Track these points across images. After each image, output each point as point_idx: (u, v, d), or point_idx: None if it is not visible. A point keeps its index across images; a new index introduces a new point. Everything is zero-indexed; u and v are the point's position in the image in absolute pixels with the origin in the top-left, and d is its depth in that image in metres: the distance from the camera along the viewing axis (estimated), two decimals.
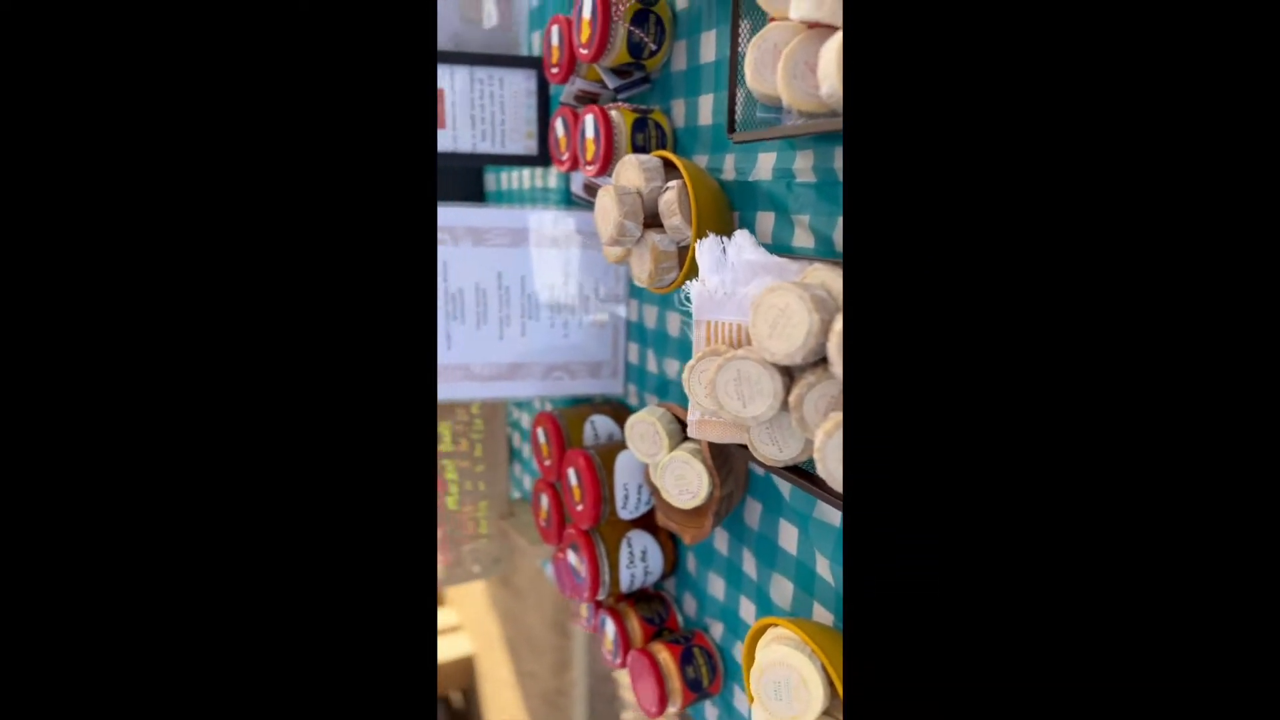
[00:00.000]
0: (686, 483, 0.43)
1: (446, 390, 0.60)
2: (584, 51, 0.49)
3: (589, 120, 0.50)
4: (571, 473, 0.55)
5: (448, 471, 0.77)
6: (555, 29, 0.54)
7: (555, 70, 0.55)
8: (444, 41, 0.64)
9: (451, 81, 0.61)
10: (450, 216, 0.57)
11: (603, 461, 0.54)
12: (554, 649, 2.31)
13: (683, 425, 0.46)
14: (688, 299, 0.39)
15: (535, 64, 0.61)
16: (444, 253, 0.58)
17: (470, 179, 0.82)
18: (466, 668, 2.83)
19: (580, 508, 0.54)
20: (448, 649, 2.86)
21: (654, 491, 0.50)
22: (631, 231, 0.43)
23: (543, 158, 0.63)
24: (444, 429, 0.76)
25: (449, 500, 0.78)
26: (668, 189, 0.42)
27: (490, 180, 0.83)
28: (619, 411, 0.63)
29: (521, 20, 0.64)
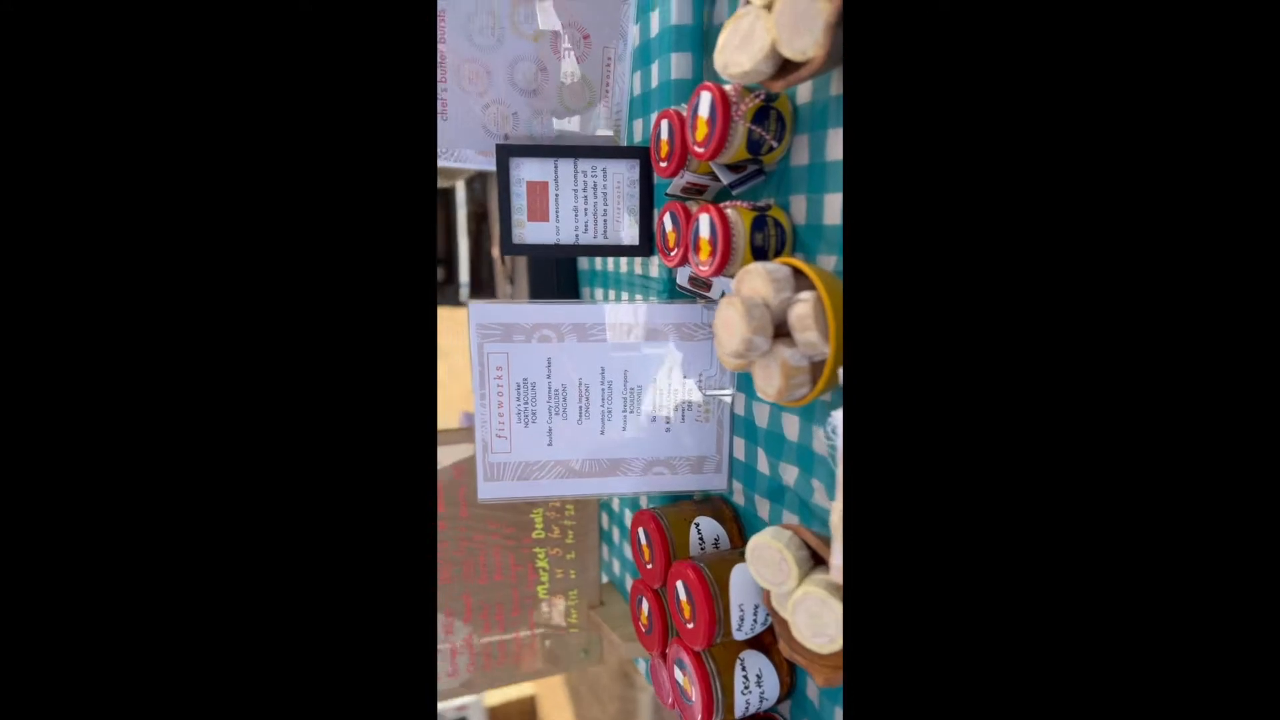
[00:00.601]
0: (823, 624, 0.39)
1: (548, 488, 0.58)
2: (699, 150, 0.47)
3: (704, 220, 0.48)
4: (681, 587, 0.51)
5: (539, 559, 0.75)
6: (665, 124, 0.53)
7: (664, 165, 0.53)
8: (546, 134, 0.64)
9: (555, 174, 0.60)
10: (556, 314, 0.56)
11: (715, 576, 0.50)
12: (619, 698, 2.24)
13: (814, 553, 0.42)
14: (834, 432, 0.36)
15: (638, 154, 0.60)
16: (548, 349, 0.56)
17: (566, 264, 0.82)
18: (528, 708, 2.78)
19: (691, 626, 0.50)
20: (509, 689, 2.82)
21: (775, 616, 0.46)
22: (760, 346, 0.40)
23: (645, 247, 0.62)
24: (536, 516, 0.74)
25: (540, 589, 0.76)
26: (800, 301, 0.39)
27: (586, 259, 0.83)
28: (721, 509, 0.59)
29: (623, 108, 0.64)
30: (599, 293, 0.79)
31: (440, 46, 0.59)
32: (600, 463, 0.58)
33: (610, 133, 0.65)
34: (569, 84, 0.63)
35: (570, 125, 0.65)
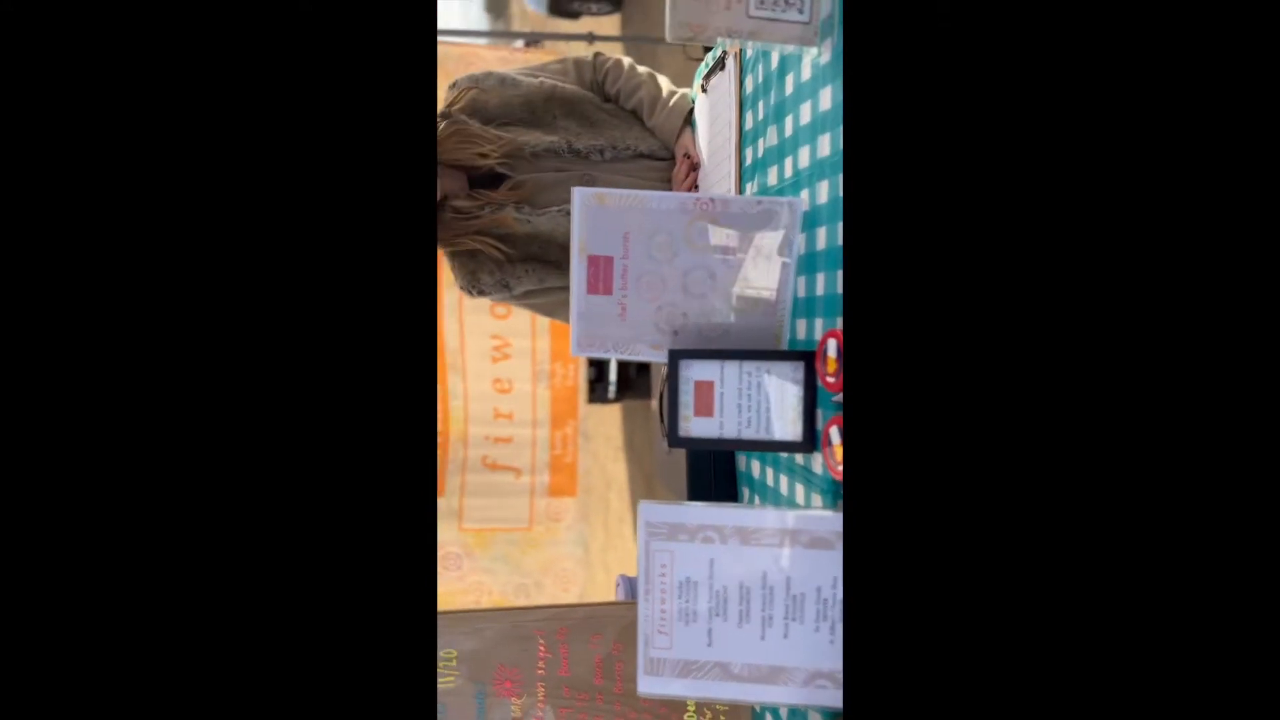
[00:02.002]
0: None
1: (707, 689, 0.58)
2: (830, 381, 0.49)
3: None
4: None
5: None
6: (832, 342, 0.55)
7: (831, 380, 0.55)
8: (714, 335, 0.69)
9: (721, 374, 0.64)
10: (720, 516, 0.58)
11: None
12: None
13: None
14: None
15: (802, 357, 0.63)
16: (710, 550, 0.58)
17: (724, 461, 0.85)
18: None
19: None
20: None
21: None
22: None
23: (808, 444, 0.63)
24: (689, 703, 0.74)
25: None
26: None
27: (753, 466, 0.85)
28: None
29: (786, 311, 0.68)
30: (756, 498, 0.80)
31: (624, 261, 0.67)
32: (760, 669, 0.58)
33: (775, 331, 0.68)
34: (738, 289, 0.68)
35: (736, 324, 0.69)
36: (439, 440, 2.47)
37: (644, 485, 4.98)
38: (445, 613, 0.70)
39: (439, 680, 0.68)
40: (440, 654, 0.68)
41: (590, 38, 2.53)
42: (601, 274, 0.68)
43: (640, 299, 0.68)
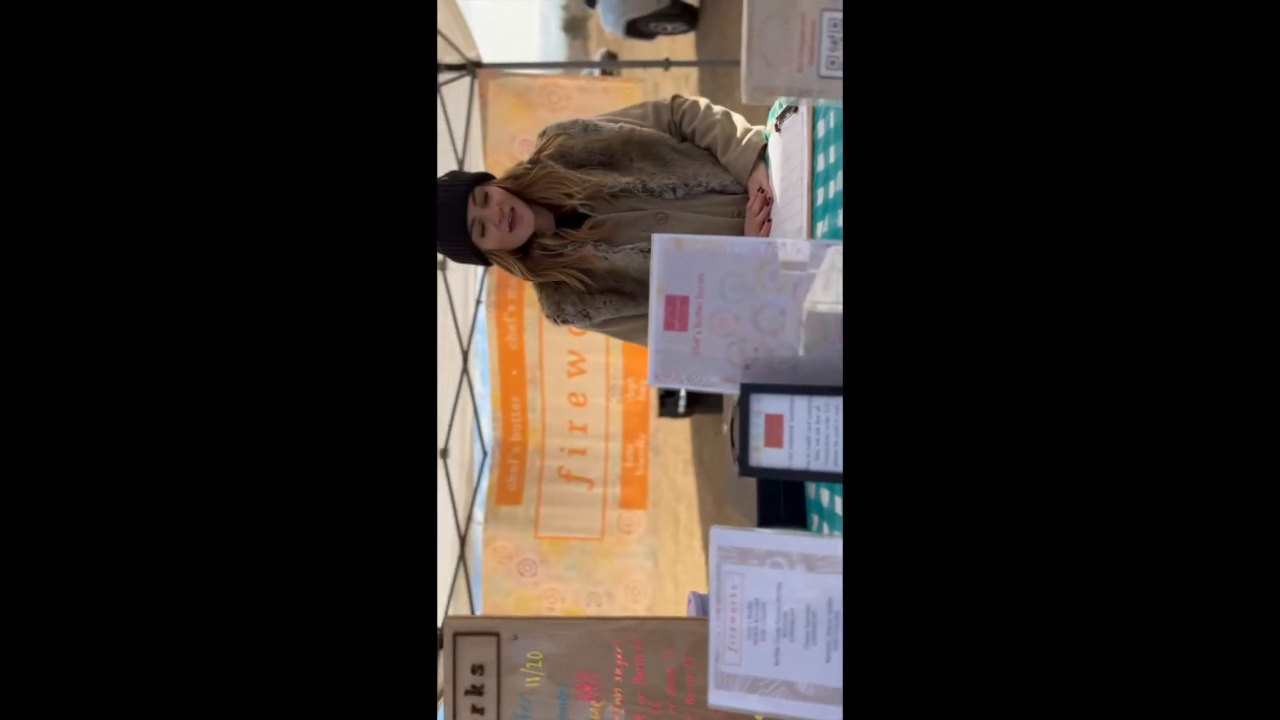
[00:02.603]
0: None
1: (774, 705, 0.62)
2: None
3: None
4: None
5: None
6: None
7: None
8: (785, 369, 0.73)
9: (791, 408, 0.68)
10: (788, 543, 0.62)
11: None
12: None
13: None
14: None
15: None
16: (779, 575, 0.62)
17: (793, 488, 0.89)
18: None
19: None
20: None
21: None
22: None
23: None
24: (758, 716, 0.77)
25: None
26: None
27: (822, 494, 0.89)
28: None
29: None
30: (825, 525, 0.83)
31: (699, 301, 0.73)
32: (825, 690, 0.61)
33: (839, 366, 0.72)
34: (807, 324, 0.72)
35: (805, 359, 0.73)
36: (519, 450, 2.59)
37: (713, 500, 4.98)
38: (531, 618, 0.77)
39: (526, 680, 0.75)
40: (527, 654, 0.75)
41: (667, 64, 2.61)
42: (678, 312, 0.73)
43: (713, 335, 0.73)
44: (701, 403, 4.76)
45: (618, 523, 2.60)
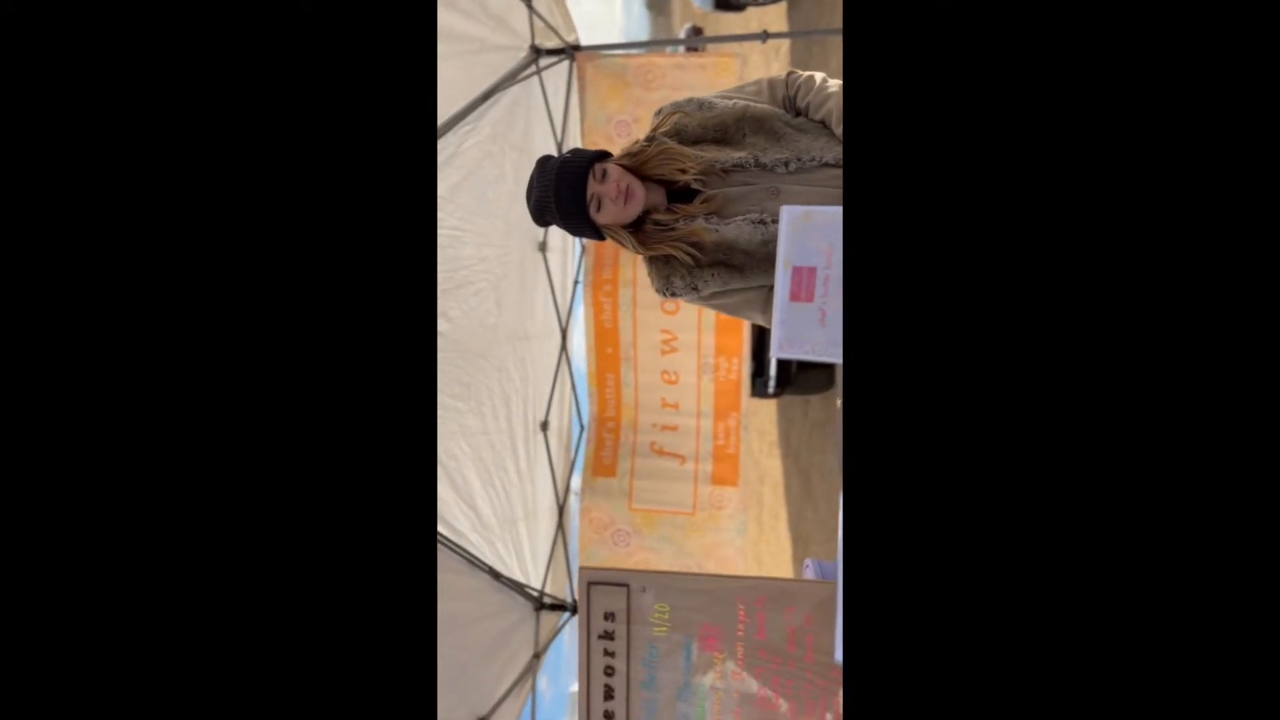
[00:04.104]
0: None
1: None
2: None
3: None
4: None
5: None
6: None
7: None
8: None
9: None
10: None
11: None
12: None
13: None
14: None
15: None
16: None
17: None
18: None
19: None
20: None
21: None
22: None
23: None
24: None
25: None
26: None
27: None
28: None
29: None
30: None
31: (826, 272, 0.74)
32: None
33: None
34: None
35: None
36: (614, 425, 2.67)
37: (800, 481, 4.93)
38: (660, 572, 0.82)
39: (653, 629, 0.80)
40: (655, 606, 0.80)
41: (764, 36, 2.57)
42: (804, 283, 0.75)
43: (840, 307, 0.75)
44: (791, 383, 4.71)
45: (709, 498, 2.64)
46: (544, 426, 2.56)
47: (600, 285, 2.60)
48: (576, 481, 2.75)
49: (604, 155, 1.12)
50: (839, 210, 0.73)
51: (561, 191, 1.06)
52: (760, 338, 3.62)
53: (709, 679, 0.80)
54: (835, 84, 1.08)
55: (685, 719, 0.79)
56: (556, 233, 2.40)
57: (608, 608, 0.80)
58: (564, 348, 2.70)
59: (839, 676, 0.80)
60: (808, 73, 1.10)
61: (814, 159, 1.06)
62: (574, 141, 2.55)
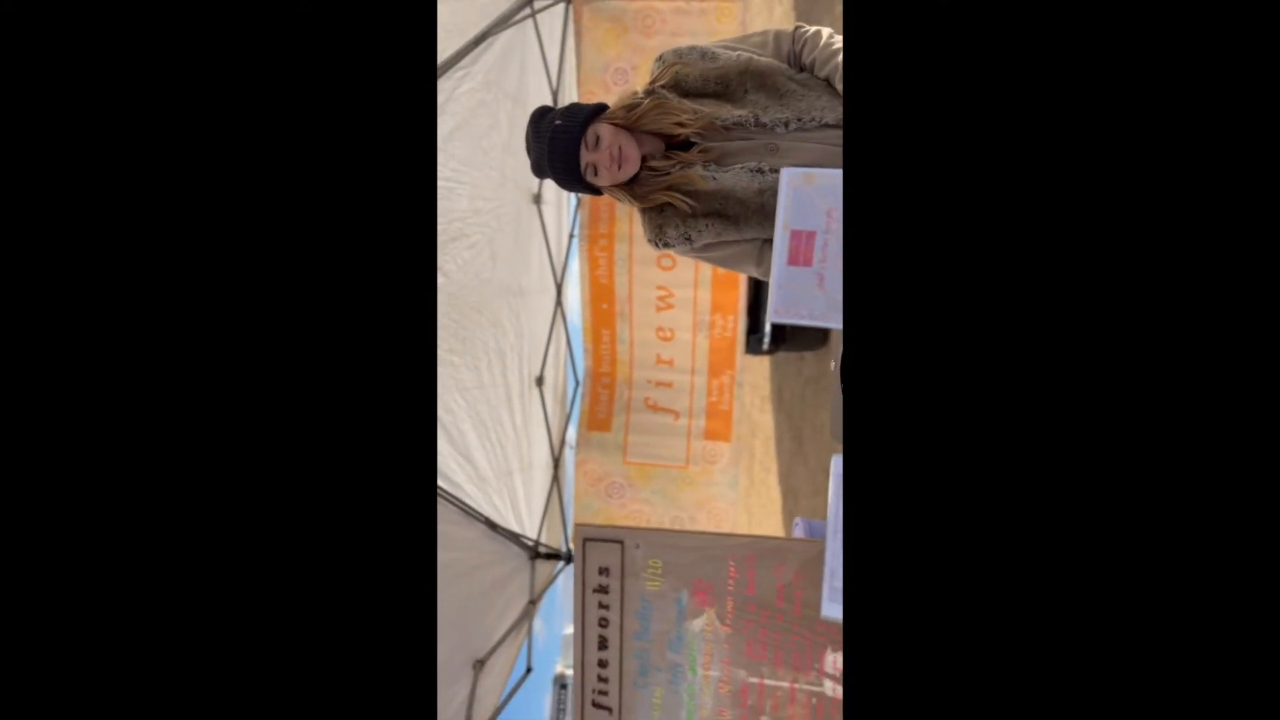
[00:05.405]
0: None
1: None
2: None
3: None
4: None
5: None
6: None
7: None
8: None
9: None
10: None
11: None
12: None
13: None
14: None
15: None
16: None
17: None
18: None
19: None
20: None
21: None
22: None
23: None
24: None
25: None
26: None
27: None
28: None
29: None
30: None
31: (825, 236, 0.74)
32: None
33: None
34: None
35: None
36: (608, 380, 2.68)
37: (791, 437, 5.00)
38: (653, 529, 0.84)
39: (646, 584, 0.82)
40: (648, 561, 0.82)
41: None
42: (803, 248, 0.75)
43: (838, 271, 0.74)
44: (785, 340, 4.72)
45: (702, 453, 2.68)
46: (539, 381, 2.57)
47: (596, 240, 2.58)
48: (572, 435, 2.78)
49: (599, 111, 1.09)
50: (839, 173, 0.72)
51: (555, 160, 1.04)
52: (756, 295, 3.60)
53: (699, 629, 0.83)
54: (841, 40, 1.05)
55: (676, 667, 0.83)
56: (552, 185, 2.36)
57: (602, 563, 0.82)
58: (559, 303, 2.69)
59: (825, 630, 0.83)
60: (814, 28, 1.06)
61: (815, 120, 1.04)
62: (569, 92, 2.48)
